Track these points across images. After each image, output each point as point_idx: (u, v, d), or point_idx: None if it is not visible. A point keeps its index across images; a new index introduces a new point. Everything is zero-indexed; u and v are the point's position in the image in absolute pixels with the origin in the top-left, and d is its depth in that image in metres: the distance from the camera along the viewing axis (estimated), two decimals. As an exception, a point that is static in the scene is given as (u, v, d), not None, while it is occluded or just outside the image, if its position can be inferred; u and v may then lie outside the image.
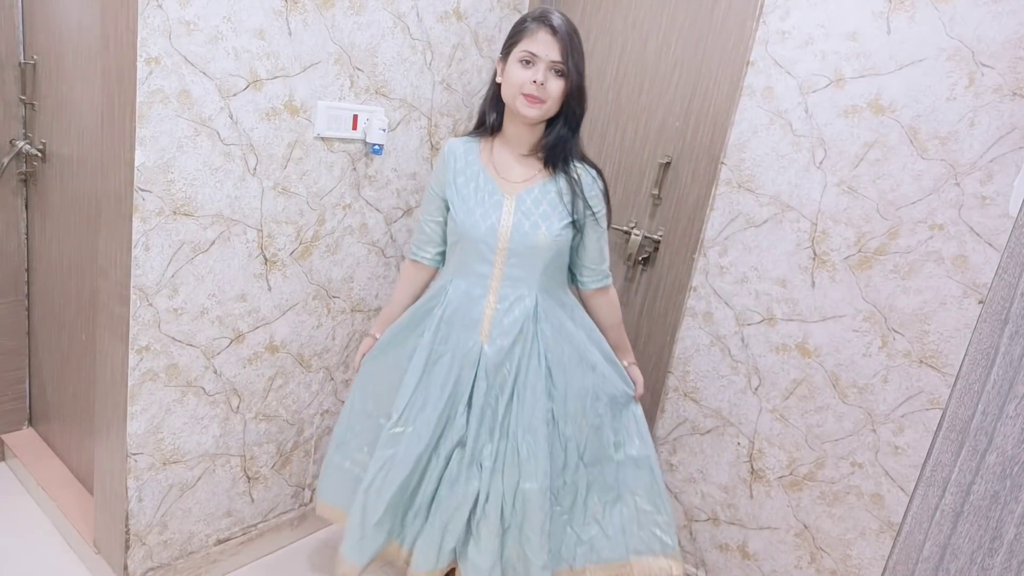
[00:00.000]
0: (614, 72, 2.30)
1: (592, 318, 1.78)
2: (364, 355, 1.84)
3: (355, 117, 1.92)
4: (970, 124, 1.61)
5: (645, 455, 1.74)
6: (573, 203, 1.61)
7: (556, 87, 1.54)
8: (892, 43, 1.69)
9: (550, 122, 1.62)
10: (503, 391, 1.64)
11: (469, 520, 1.66)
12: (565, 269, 1.73)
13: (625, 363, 1.81)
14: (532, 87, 1.52)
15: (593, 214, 1.65)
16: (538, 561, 1.63)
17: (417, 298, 1.83)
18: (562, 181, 1.62)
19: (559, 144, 1.62)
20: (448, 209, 1.68)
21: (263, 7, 1.64)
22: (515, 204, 1.61)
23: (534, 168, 1.65)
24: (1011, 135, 1.56)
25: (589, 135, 2.39)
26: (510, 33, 1.60)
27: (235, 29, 1.61)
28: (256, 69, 1.68)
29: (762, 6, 1.87)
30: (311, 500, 2.28)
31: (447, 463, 1.68)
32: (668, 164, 2.20)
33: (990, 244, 1.61)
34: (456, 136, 1.89)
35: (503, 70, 1.60)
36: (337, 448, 1.85)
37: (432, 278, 1.85)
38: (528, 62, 1.53)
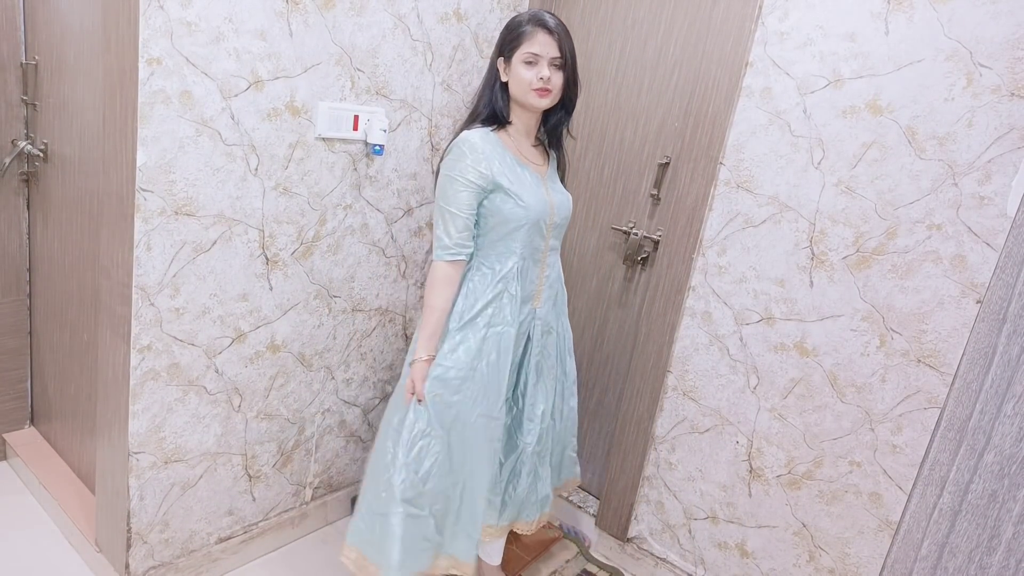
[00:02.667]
0: (613, 72, 2.31)
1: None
2: (426, 380, 1.73)
3: (356, 118, 1.92)
4: (968, 124, 1.62)
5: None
6: (563, 178, 1.93)
7: (559, 79, 1.74)
8: (890, 44, 1.70)
9: (550, 109, 1.81)
10: (552, 348, 1.92)
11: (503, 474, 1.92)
12: None
13: None
14: (540, 83, 1.71)
15: None
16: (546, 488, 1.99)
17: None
18: (554, 160, 1.91)
19: (560, 126, 1.87)
20: (486, 196, 1.72)
21: (264, 8, 1.65)
22: (547, 183, 1.84)
23: (541, 150, 1.89)
24: (1009, 135, 1.57)
25: (589, 135, 2.39)
26: (507, 36, 1.74)
27: (236, 30, 1.61)
28: (257, 70, 1.68)
29: (761, 7, 1.88)
30: (312, 499, 2.28)
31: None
32: (667, 164, 2.21)
33: (988, 244, 1.61)
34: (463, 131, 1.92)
35: (506, 70, 1.76)
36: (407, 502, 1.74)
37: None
38: (531, 63, 1.71)
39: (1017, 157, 1.56)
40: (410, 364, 1.76)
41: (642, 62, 2.24)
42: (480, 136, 1.72)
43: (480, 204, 1.72)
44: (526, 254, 1.78)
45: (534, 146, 1.86)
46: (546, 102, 1.74)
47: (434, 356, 1.74)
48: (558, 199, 1.83)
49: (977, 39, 1.59)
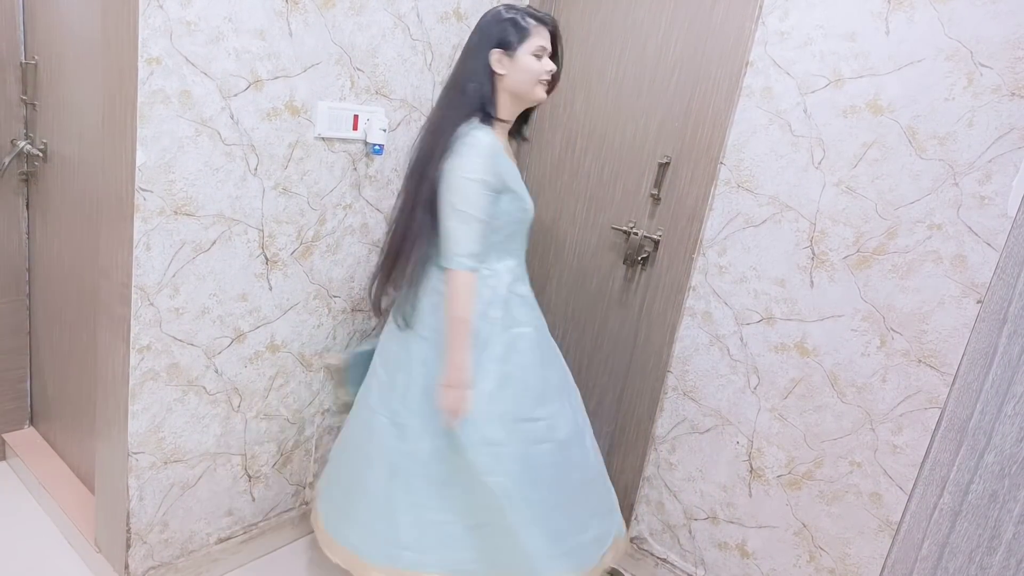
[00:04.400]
0: (614, 72, 2.30)
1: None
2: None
3: (356, 117, 1.92)
4: (968, 124, 1.61)
5: None
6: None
7: (557, 73, 1.82)
8: (891, 43, 1.70)
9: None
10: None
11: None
12: None
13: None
14: (547, 75, 1.78)
15: None
16: None
17: None
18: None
19: (525, 123, 1.93)
20: (496, 199, 1.71)
21: (264, 8, 1.64)
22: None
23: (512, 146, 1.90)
24: (1009, 135, 1.56)
25: (589, 135, 2.39)
26: (513, 28, 1.73)
27: (236, 29, 1.61)
28: (257, 69, 1.68)
29: (761, 7, 1.88)
30: (312, 499, 2.28)
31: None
32: (667, 164, 2.20)
33: (988, 244, 1.61)
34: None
35: (507, 64, 1.74)
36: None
37: None
38: (539, 56, 1.76)
39: (1017, 157, 1.56)
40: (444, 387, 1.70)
41: (642, 62, 2.23)
42: (489, 136, 1.70)
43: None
44: (513, 254, 1.83)
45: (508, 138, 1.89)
46: (546, 95, 1.81)
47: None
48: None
49: (977, 39, 1.58)
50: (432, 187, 1.70)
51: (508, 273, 1.79)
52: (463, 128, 1.70)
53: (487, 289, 1.74)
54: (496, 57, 1.73)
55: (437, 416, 1.71)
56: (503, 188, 1.71)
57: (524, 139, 1.97)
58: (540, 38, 1.75)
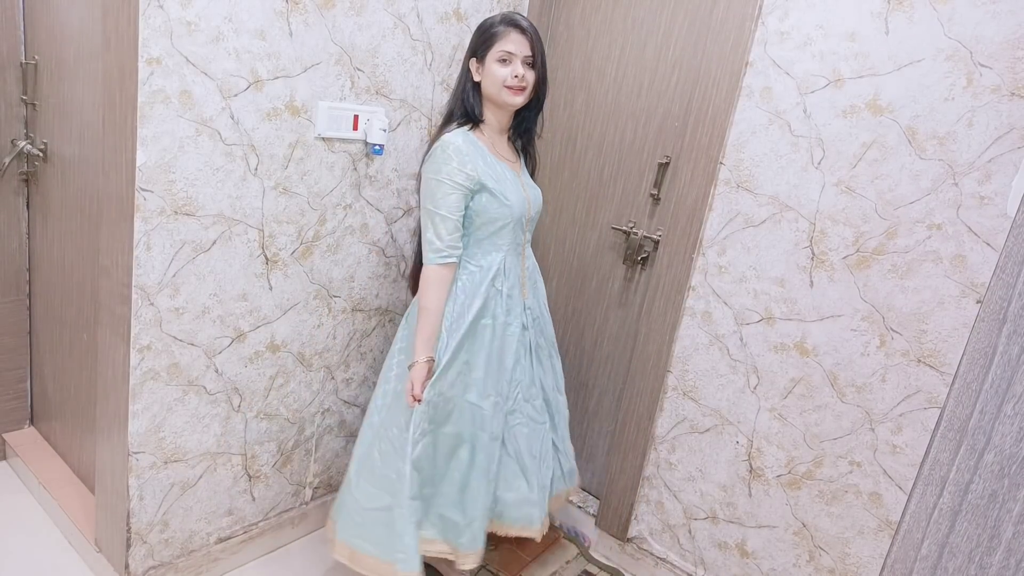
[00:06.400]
0: (613, 72, 2.30)
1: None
2: (426, 382, 1.77)
3: (356, 117, 1.92)
4: (968, 124, 1.61)
5: None
6: (533, 173, 2.02)
7: (531, 77, 1.81)
8: (890, 43, 1.70)
9: (520, 108, 1.87)
10: (542, 336, 2.03)
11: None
12: None
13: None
14: (515, 80, 1.77)
15: None
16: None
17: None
18: (525, 156, 2.01)
19: (531, 124, 1.96)
20: (472, 197, 1.77)
21: (264, 8, 1.64)
22: (522, 179, 1.91)
23: (513, 148, 1.96)
24: (1009, 135, 1.57)
25: (589, 135, 2.39)
26: (481, 36, 1.81)
27: (236, 30, 1.61)
28: (257, 69, 1.68)
29: (761, 7, 1.88)
30: (312, 499, 2.28)
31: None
32: (667, 164, 2.20)
33: (988, 244, 1.61)
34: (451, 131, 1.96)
35: (480, 69, 1.82)
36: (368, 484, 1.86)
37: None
38: (505, 60, 1.77)
39: (1017, 157, 1.56)
40: (409, 367, 1.79)
41: (642, 62, 2.23)
42: (462, 137, 1.77)
43: (466, 205, 1.78)
44: (509, 249, 1.86)
45: (506, 140, 1.94)
46: (520, 99, 1.80)
47: (433, 357, 1.77)
48: (532, 193, 1.92)
49: (977, 39, 1.59)
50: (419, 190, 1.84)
51: (492, 268, 1.83)
52: (442, 133, 1.81)
53: (470, 282, 1.82)
54: (474, 67, 1.83)
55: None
56: (478, 187, 1.76)
57: (537, 137, 2.01)
58: (506, 43, 1.76)
